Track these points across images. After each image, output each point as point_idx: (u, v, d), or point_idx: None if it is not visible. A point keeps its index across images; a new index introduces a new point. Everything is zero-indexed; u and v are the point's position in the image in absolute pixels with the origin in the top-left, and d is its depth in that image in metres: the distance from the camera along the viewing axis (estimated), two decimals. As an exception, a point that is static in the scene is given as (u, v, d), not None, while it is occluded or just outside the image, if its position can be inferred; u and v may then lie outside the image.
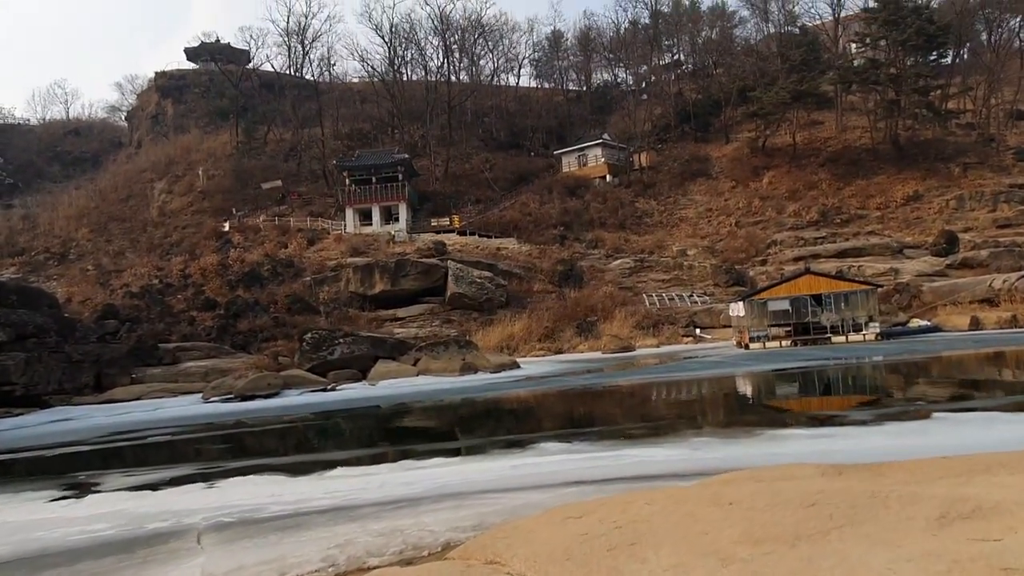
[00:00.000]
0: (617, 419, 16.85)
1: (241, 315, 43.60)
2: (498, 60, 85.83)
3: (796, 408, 17.02)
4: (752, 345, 38.30)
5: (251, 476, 11.02)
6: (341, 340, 33.19)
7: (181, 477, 11.62)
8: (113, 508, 9.43)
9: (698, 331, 46.65)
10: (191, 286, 49.28)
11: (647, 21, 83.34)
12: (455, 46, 78.12)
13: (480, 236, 59.02)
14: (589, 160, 70.94)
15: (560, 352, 42.43)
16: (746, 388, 22.80)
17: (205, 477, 11.34)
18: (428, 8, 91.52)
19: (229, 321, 42.90)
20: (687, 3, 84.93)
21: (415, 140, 72.86)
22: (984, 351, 30.43)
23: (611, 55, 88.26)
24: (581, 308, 47.33)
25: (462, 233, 59.18)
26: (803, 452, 9.23)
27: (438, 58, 78.23)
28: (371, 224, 60.93)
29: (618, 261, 56.45)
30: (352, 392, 27.64)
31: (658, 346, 42.45)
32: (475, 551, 5.16)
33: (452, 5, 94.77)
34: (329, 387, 29.24)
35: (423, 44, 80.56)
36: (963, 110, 67.05)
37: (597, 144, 70.89)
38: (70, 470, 14.10)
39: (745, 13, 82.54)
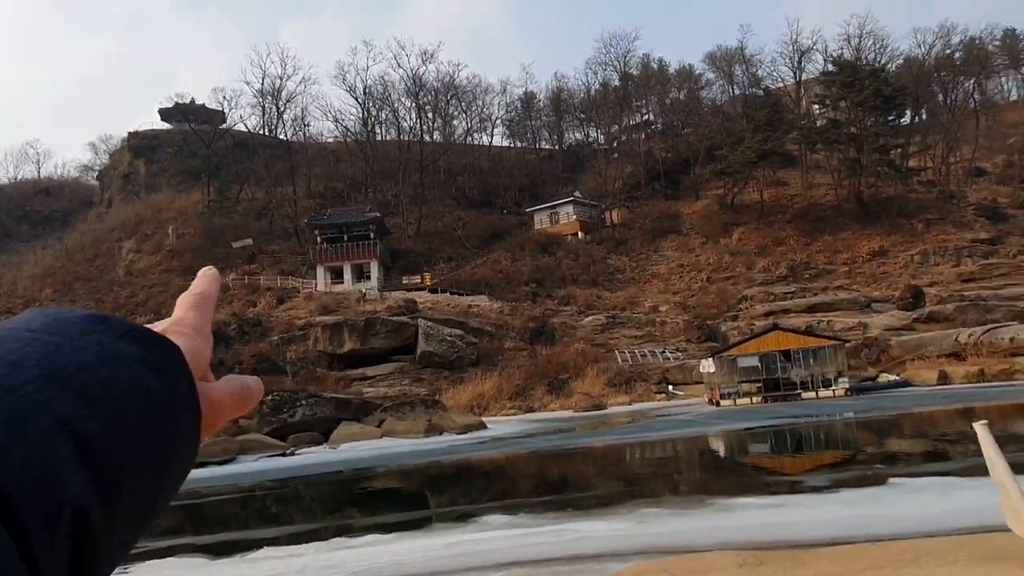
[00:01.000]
0: (571, 486, 16.27)
1: (203, 377, 42.46)
2: (471, 120, 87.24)
3: (755, 473, 16.59)
4: (723, 402, 37.94)
5: (170, 558, 10.30)
6: (303, 402, 32.31)
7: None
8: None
9: (671, 388, 46.25)
10: (154, 347, 48.13)
11: (617, 83, 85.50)
12: (428, 107, 79.31)
13: (452, 294, 58.68)
14: (561, 217, 71.50)
15: (531, 411, 41.73)
16: (710, 450, 22.33)
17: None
18: (401, 71, 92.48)
19: (191, 383, 41.75)
20: (655, 66, 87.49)
21: (388, 199, 73.11)
22: (952, 407, 30.29)
23: (582, 115, 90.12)
24: (553, 365, 46.82)
25: (433, 291, 58.83)
26: (748, 525, 8.80)
27: (411, 118, 79.34)
28: (342, 282, 60.43)
29: (590, 318, 56.26)
30: (311, 457, 26.72)
31: (630, 403, 41.92)
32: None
33: (425, 67, 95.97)
34: (288, 452, 28.26)
35: (396, 105, 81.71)
36: (924, 168, 68.91)
37: (569, 201, 71.57)
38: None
39: (711, 75, 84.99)
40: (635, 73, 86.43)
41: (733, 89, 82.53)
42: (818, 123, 69.29)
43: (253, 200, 74.71)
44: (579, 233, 69.99)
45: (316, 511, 15.94)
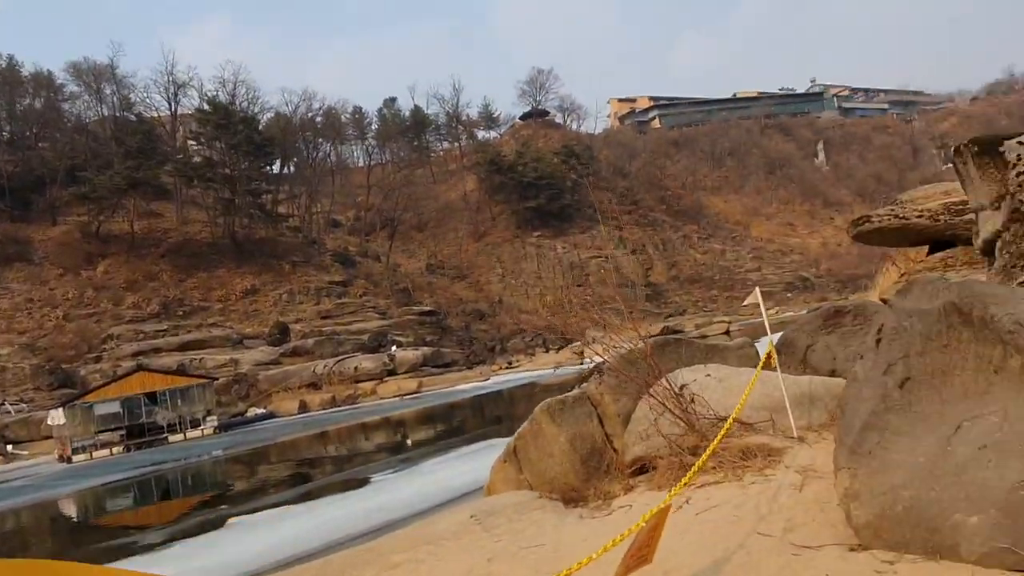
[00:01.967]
0: None
1: None
2: None
3: (88, 538, 14.71)
4: (76, 457, 33.33)
5: None
6: None
7: None
8: None
9: (10, 448, 38.45)
10: None
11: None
12: None
13: None
14: None
15: None
16: (35, 521, 19.08)
17: None
18: None
19: None
20: (3, 63, 73.35)
21: None
22: (311, 432, 33.32)
23: None
24: None
25: None
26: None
27: None
28: None
29: None
30: None
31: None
32: None
33: None
34: None
35: None
36: (291, 215, 75.70)
37: None
38: None
39: (76, 88, 75.94)
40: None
41: (102, 109, 75.37)
42: (195, 159, 69.03)
43: None
44: None
45: None
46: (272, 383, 47.56)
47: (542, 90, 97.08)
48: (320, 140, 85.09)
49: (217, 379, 41.93)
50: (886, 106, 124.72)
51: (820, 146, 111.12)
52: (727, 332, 46.83)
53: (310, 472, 20.78)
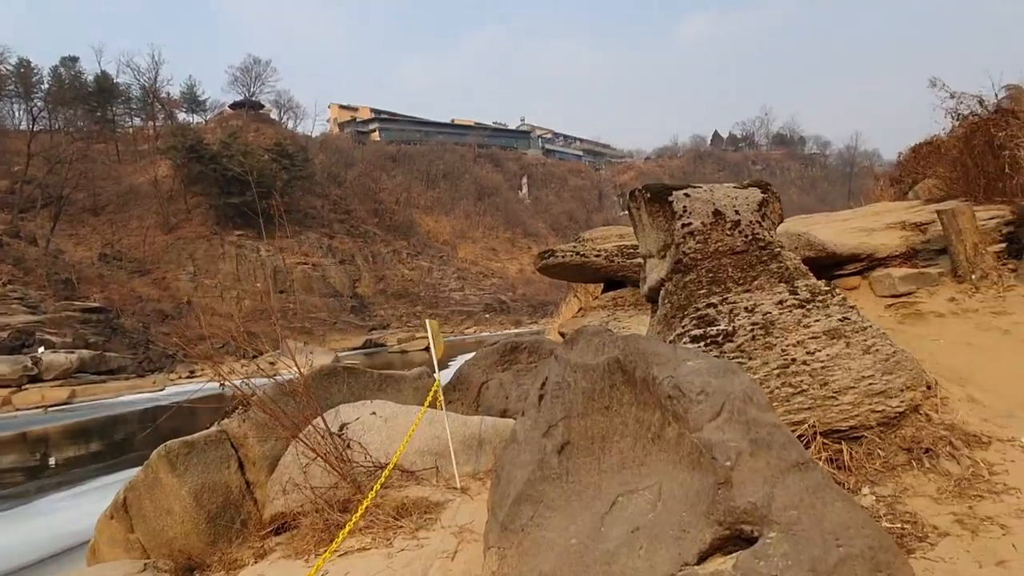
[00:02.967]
0: None
1: None
2: None
3: None
4: None
5: None
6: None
7: None
8: None
9: None
10: None
11: None
12: None
13: None
14: None
15: None
16: None
17: None
18: None
19: None
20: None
21: None
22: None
23: None
24: None
25: None
26: None
27: None
28: None
29: None
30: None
31: None
32: None
33: None
34: None
35: None
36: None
37: None
38: None
39: None
40: None
41: None
42: None
43: None
44: None
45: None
46: None
47: (258, 80, 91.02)
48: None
49: None
50: (581, 153, 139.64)
51: (524, 180, 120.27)
52: (427, 348, 47.48)
53: None
